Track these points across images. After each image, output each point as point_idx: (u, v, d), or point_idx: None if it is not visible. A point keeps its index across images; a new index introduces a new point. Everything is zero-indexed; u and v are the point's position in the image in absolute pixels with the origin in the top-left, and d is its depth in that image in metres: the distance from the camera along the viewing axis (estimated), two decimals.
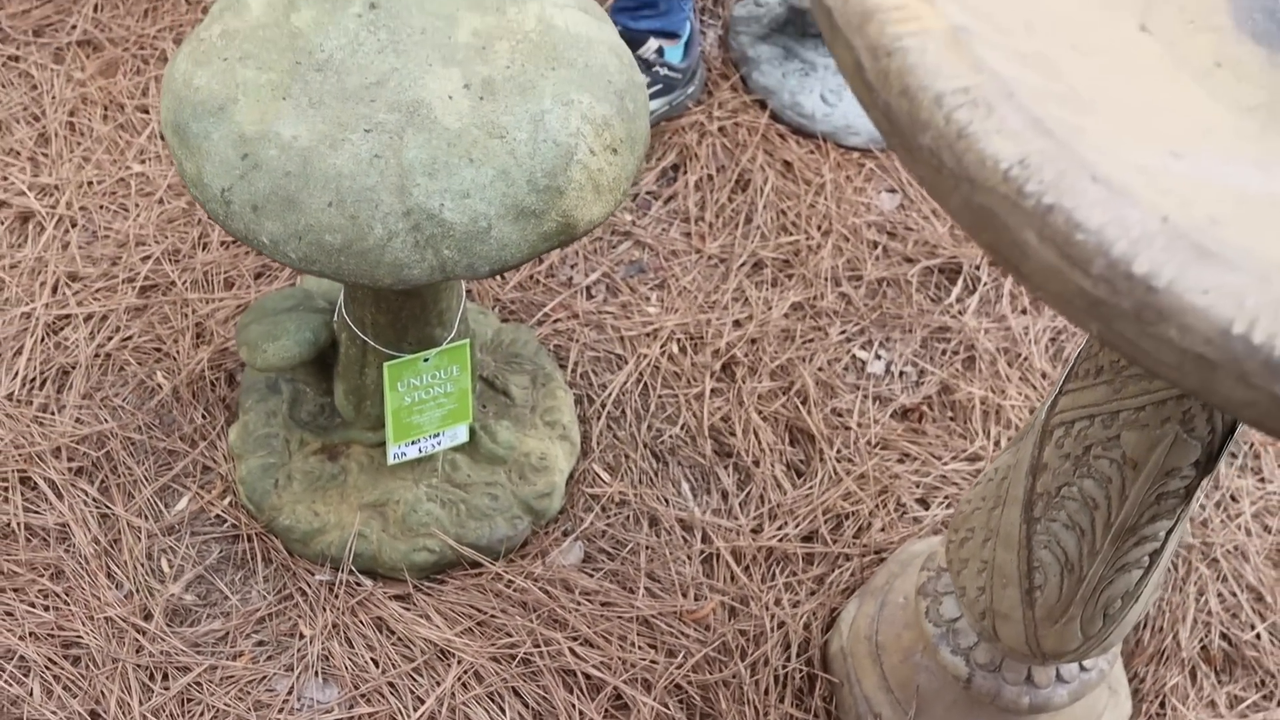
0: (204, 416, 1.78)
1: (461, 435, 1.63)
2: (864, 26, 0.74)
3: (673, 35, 2.06)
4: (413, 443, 1.60)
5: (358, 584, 1.64)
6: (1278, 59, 0.91)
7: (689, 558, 1.69)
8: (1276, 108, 0.86)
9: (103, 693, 1.56)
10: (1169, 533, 1.21)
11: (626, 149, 1.31)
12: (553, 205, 1.26)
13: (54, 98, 2.08)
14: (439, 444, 1.62)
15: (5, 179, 1.99)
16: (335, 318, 1.58)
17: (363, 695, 1.58)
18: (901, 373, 1.89)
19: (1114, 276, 0.65)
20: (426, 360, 1.53)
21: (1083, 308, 0.67)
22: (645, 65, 2.05)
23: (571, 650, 1.61)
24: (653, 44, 2.05)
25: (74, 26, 2.17)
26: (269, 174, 1.23)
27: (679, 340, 1.89)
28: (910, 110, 0.71)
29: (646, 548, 1.70)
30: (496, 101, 1.27)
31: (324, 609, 1.62)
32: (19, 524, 1.67)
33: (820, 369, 1.87)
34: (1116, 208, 0.66)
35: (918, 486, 1.77)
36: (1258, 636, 1.70)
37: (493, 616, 1.63)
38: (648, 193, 2.05)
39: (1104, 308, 0.66)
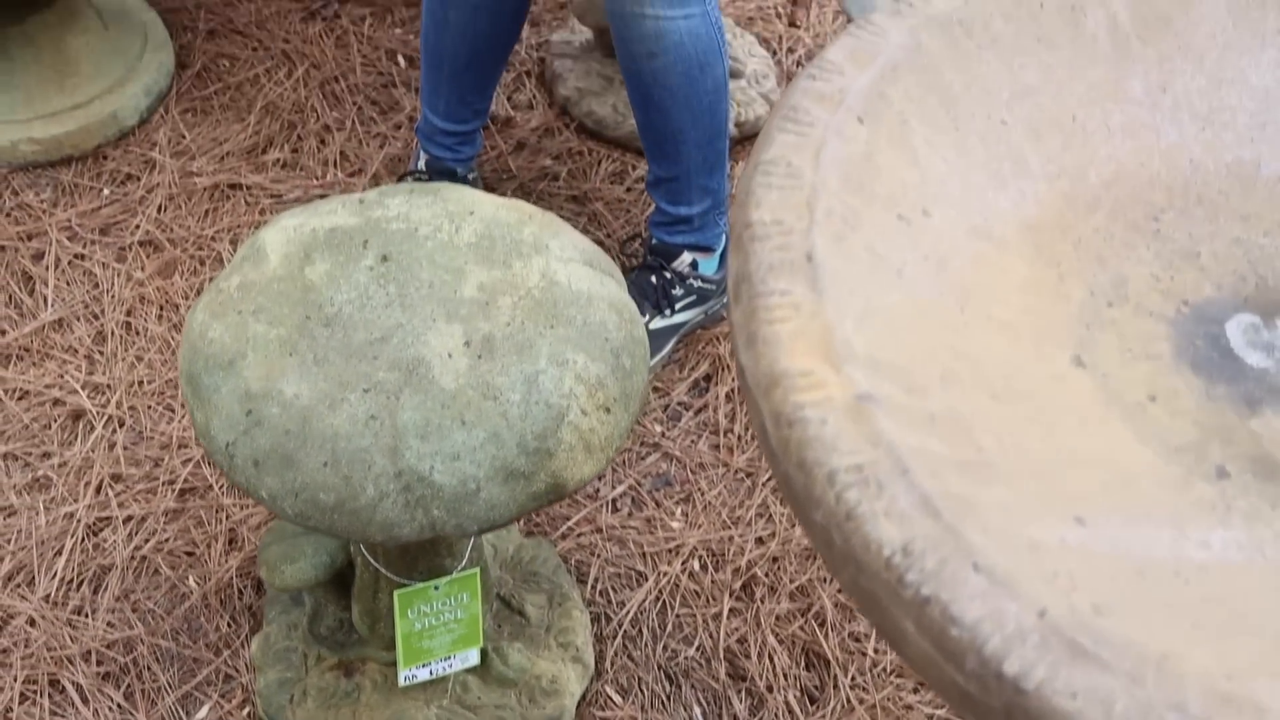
0: (230, 625, 1.82)
1: (473, 658, 1.66)
2: (770, 391, 0.77)
3: (707, 249, 2.11)
4: (424, 665, 1.63)
5: None
6: (1215, 390, 0.92)
7: None
8: (1206, 448, 0.87)
9: None
10: None
11: (620, 407, 1.35)
12: (542, 466, 1.29)
13: (113, 296, 2.17)
14: (450, 667, 1.65)
15: (62, 377, 2.07)
16: (351, 543, 1.62)
17: None
18: None
19: (985, 674, 0.66)
20: (437, 588, 1.56)
21: (958, 699, 0.68)
22: (679, 278, 2.09)
23: None
24: (686, 258, 2.09)
25: (138, 226, 2.26)
26: (270, 431, 1.28)
27: (700, 557, 1.90)
28: (805, 485, 0.73)
29: None
30: (494, 360, 1.31)
31: None
32: None
33: (840, 590, 1.87)
34: (994, 600, 0.68)
35: (930, 719, 1.75)
36: None
37: None
38: (679, 403, 2.08)
39: (976, 704, 0.67)
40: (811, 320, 0.79)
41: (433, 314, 1.35)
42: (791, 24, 2.73)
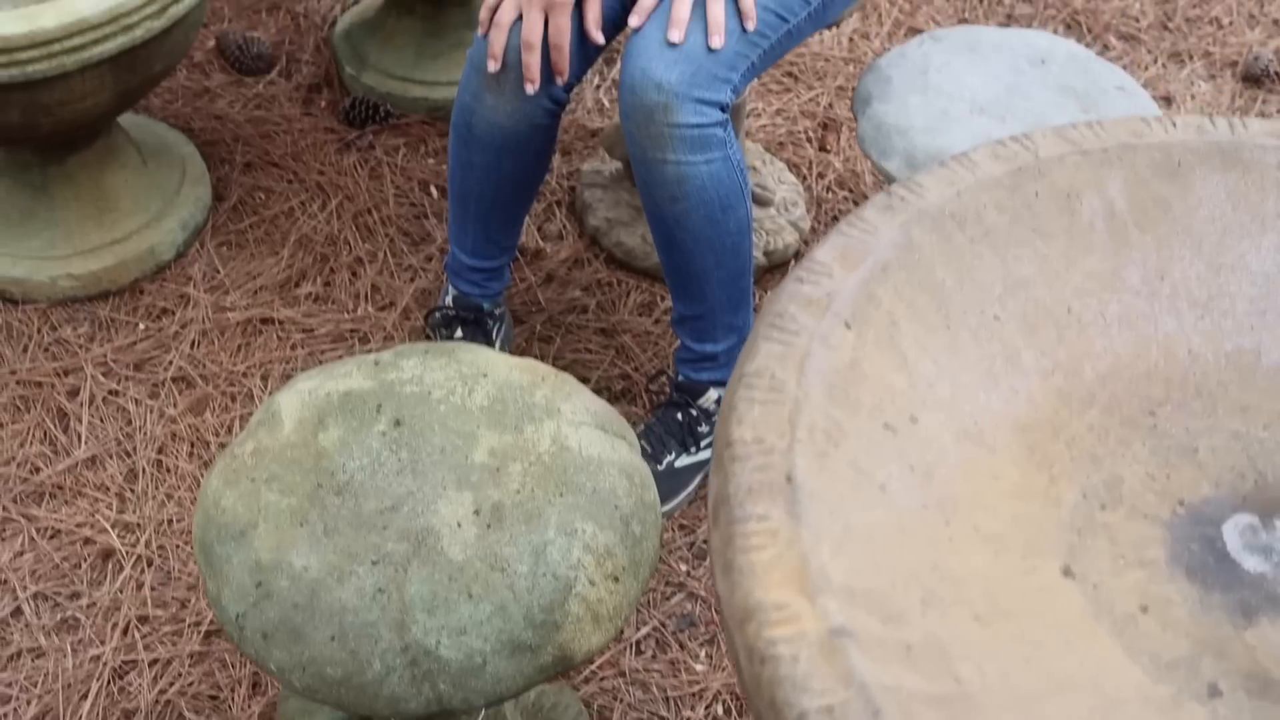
0: None
1: None
2: (744, 625, 0.76)
3: None
4: None
5: None
6: (1210, 599, 0.91)
7: None
8: (1198, 663, 0.86)
9: None
10: None
11: (629, 575, 1.34)
12: (549, 639, 1.29)
13: (145, 434, 2.20)
14: None
15: (93, 515, 2.09)
16: None
17: None
18: None
19: None
20: None
21: None
22: (704, 415, 2.10)
23: None
24: (712, 394, 2.10)
25: (171, 362, 2.29)
26: (279, 604, 1.28)
27: (724, 701, 1.89)
28: None
29: None
30: (502, 530, 1.32)
31: None
32: None
33: None
34: None
35: None
36: None
37: None
38: (704, 541, 2.07)
39: None
40: (789, 548, 0.79)
41: (443, 481, 1.36)
42: (822, 149, 2.75)
